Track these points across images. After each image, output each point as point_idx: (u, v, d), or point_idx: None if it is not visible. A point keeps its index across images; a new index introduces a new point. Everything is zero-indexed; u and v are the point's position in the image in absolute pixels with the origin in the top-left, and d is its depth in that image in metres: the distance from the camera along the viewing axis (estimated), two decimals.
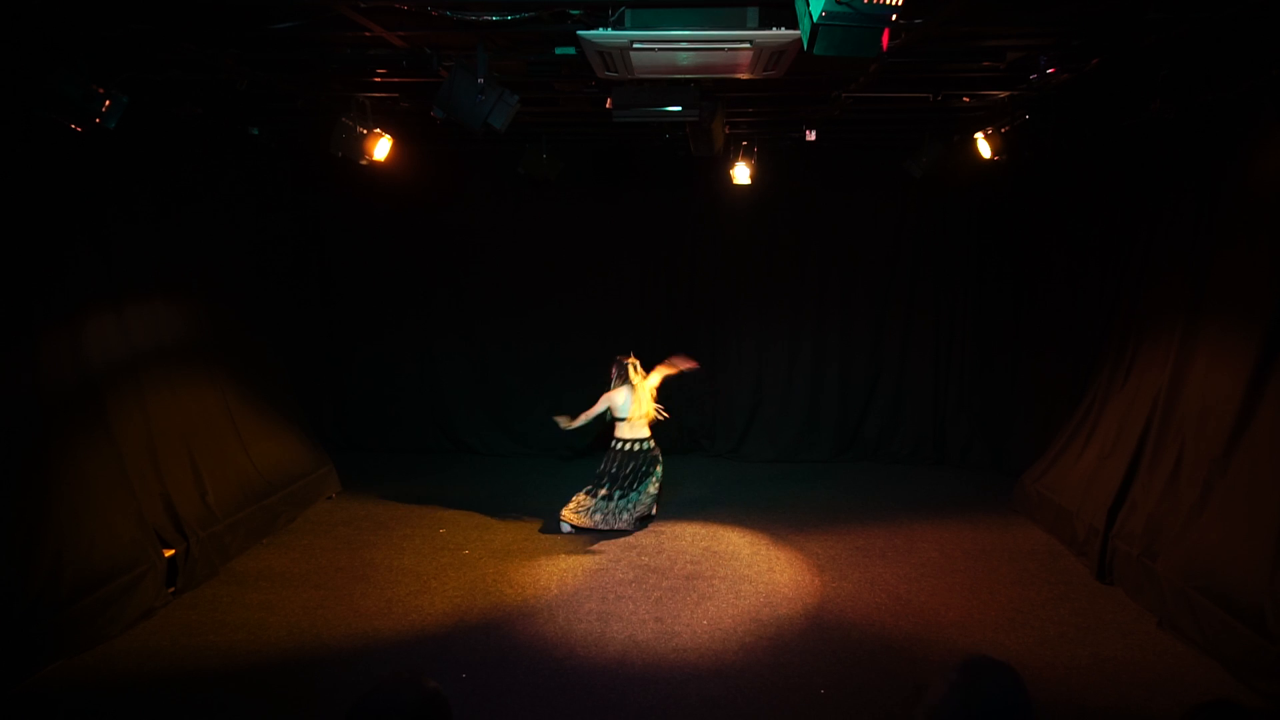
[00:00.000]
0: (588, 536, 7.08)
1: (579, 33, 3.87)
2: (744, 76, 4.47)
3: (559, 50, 4.77)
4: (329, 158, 6.45)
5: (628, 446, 7.27)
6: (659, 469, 7.38)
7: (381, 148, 6.39)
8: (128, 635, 5.27)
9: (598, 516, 7.16)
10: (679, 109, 5.21)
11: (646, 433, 7.33)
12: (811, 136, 7.18)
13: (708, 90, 5.55)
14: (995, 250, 9.17)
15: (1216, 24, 4.22)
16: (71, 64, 4.48)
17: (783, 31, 3.78)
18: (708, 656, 5.06)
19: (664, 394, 9.70)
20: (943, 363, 9.44)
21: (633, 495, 7.24)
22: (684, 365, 7.59)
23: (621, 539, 7.03)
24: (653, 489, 7.33)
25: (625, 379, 7.27)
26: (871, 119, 7.26)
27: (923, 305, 9.41)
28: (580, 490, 7.30)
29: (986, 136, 6.75)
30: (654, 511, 7.47)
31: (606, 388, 7.52)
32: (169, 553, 5.80)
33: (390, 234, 9.58)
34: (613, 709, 4.51)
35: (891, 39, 3.30)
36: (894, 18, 2.94)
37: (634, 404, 7.23)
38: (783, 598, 5.88)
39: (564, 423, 7.30)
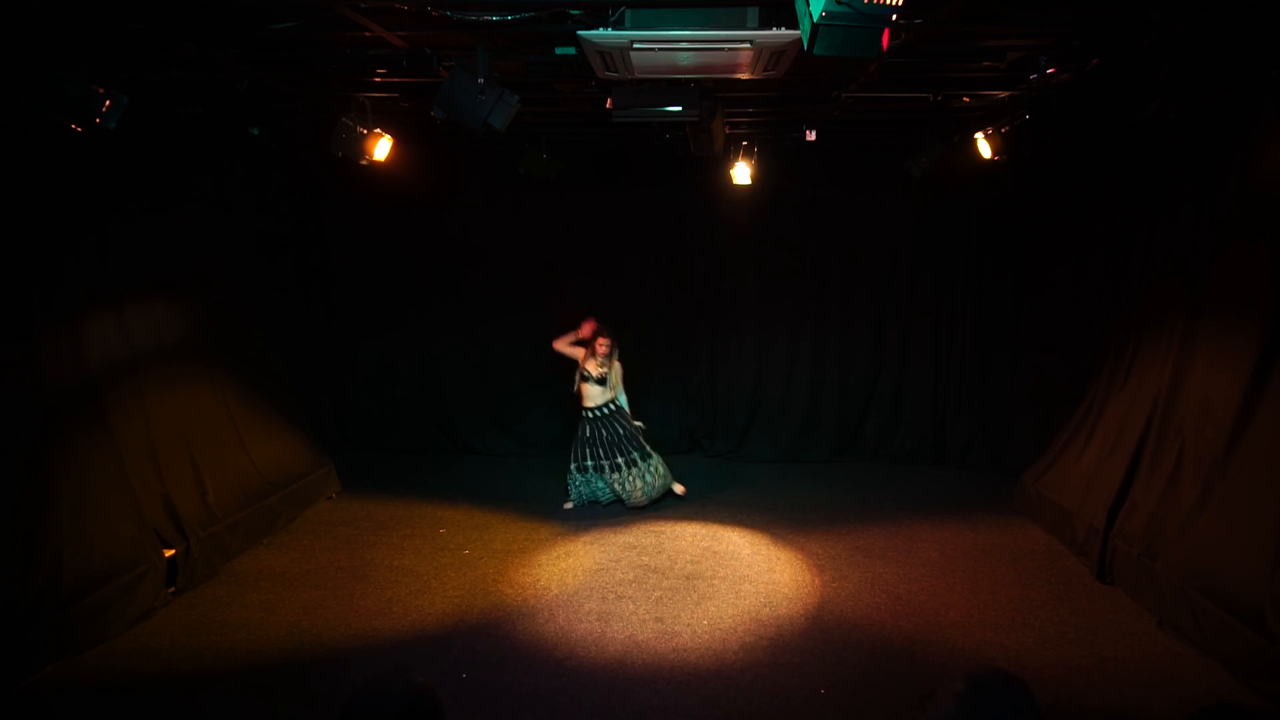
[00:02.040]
0: (588, 536, 7.09)
1: (579, 33, 3.87)
2: (744, 76, 4.47)
3: (559, 50, 4.77)
4: (329, 158, 6.45)
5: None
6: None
7: (381, 148, 6.39)
8: (128, 635, 5.26)
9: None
10: (679, 109, 5.21)
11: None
12: (811, 136, 7.18)
13: (708, 90, 5.55)
14: (995, 250, 9.16)
15: (1216, 24, 4.23)
16: (71, 64, 4.47)
17: (783, 31, 3.78)
18: (708, 656, 5.06)
19: (663, 394, 9.74)
20: (943, 363, 9.44)
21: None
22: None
23: (622, 539, 7.03)
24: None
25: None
26: (871, 119, 7.26)
27: (923, 305, 9.41)
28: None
29: (986, 136, 6.75)
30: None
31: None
32: (169, 553, 5.79)
33: (390, 234, 9.57)
34: (613, 709, 4.51)
35: (891, 39, 3.29)
36: (894, 18, 2.93)
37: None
38: (783, 598, 5.88)
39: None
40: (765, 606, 5.74)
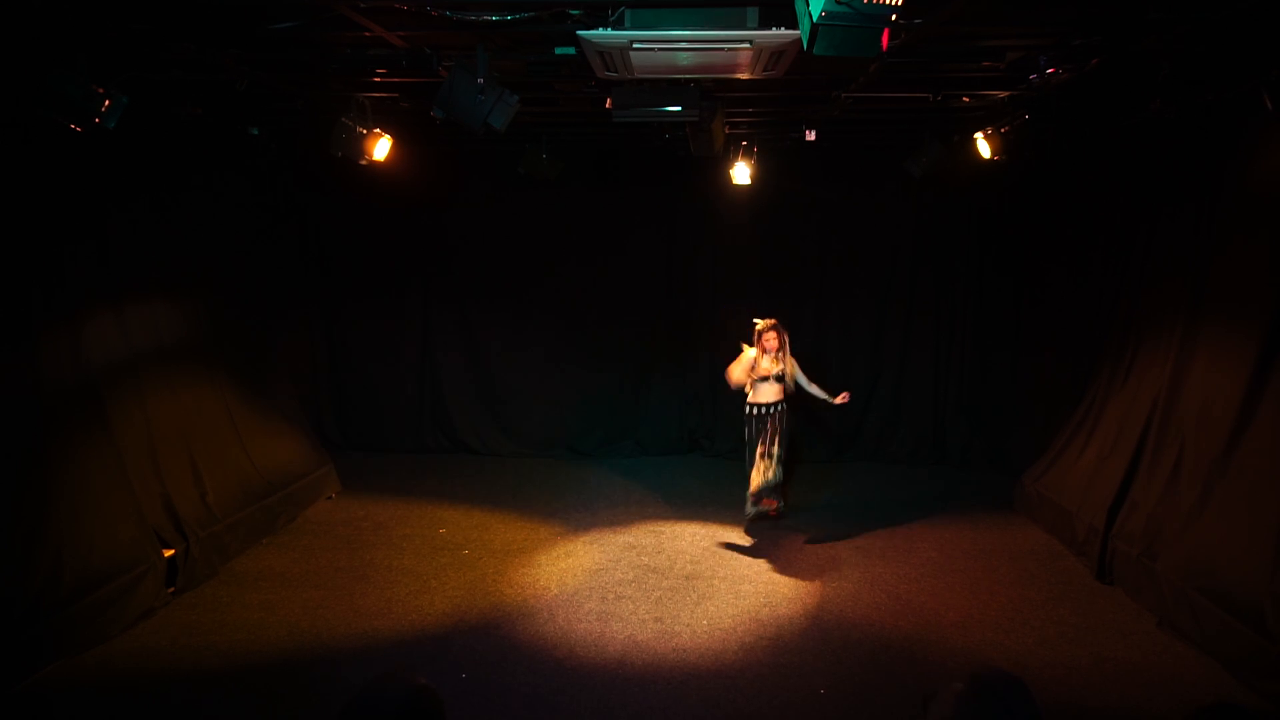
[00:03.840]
0: (587, 536, 7.08)
1: (579, 33, 3.86)
2: (744, 76, 4.46)
3: (559, 50, 4.76)
4: (329, 158, 6.44)
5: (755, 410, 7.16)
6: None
7: (381, 148, 6.39)
8: (128, 635, 5.27)
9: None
10: (679, 109, 5.21)
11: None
12: (811, 136, 7.17)
13: (708, 90, 5.54)
14: (995, 250, 9.17)
15: (1216, 24, 4.22)
16: (71, 64, 4.47)
17: (783, 31, 3.78)
18: (708, 656, 5.06)
19: (662, 394, 9.73)
20: (943, 362, 9.44)
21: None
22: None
23: (622, 539, 7.03)
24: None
25: (752, 344, 7.15)
26: (871, 119, 7.26)
27: (923, 305, 9.41)
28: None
29: (986, 136, 6.74)
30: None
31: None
32: (169, 553, 5.80)
33: (390, 234, 9.57)
34: (613, 709, 4.51)
35: (891, 39, 3.29)
36: (894, 18, 2.93)
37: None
38: (783, 598, 5.88)
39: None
40: (765, 606, 5.74)
